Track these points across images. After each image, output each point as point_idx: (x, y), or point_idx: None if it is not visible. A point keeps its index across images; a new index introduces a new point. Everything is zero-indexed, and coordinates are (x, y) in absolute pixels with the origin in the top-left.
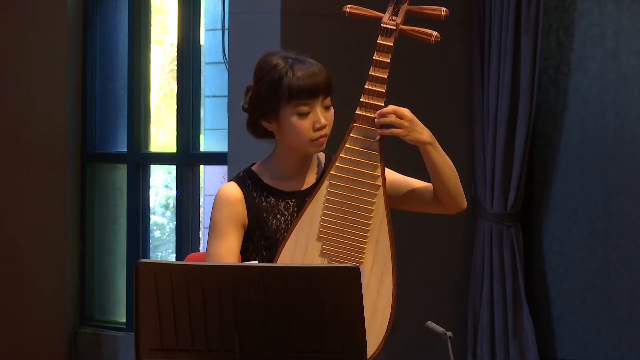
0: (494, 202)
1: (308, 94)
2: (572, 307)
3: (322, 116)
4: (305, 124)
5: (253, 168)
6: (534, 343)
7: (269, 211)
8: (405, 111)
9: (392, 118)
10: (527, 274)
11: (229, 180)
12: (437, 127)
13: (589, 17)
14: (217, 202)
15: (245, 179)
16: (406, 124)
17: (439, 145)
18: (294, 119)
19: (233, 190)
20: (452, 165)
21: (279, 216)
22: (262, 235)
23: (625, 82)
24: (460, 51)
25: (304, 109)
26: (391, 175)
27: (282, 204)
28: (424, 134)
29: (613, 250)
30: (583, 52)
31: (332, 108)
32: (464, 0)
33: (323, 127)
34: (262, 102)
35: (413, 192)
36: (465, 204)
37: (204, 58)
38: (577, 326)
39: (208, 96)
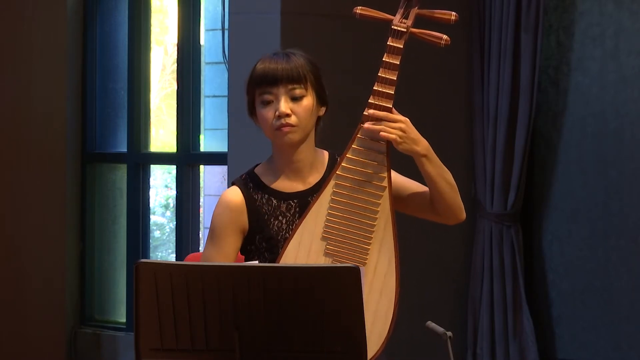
0: (494, 202)
1: (267, 81)
2: (572, 307)
3: (285, 104)
4: (268, 113)
5: (256, 170)
6: (534, 343)
7: (271, 213)
8: (400, 118)
9: (381, 126)
10: (527, 274)
11: (231, 182)
12: (437, 127)
13: (589, 17)
14: (218, 207)
15: (247, 181)
16: (398, 132)
17: (435, 158)
18: (260, 108)
19: (234, 196)
20: (450, 178)
21: (280, 217)
22: (263, 238)
23: (625, 82)
24: (460, 51)
25: (267, 97)
26: (393, 176)
27: (283, 206)
28: (419, 145)
29: (613, 250)
30: (583, 52)
31: (307, 99)
32: (464, 1)
33: (283, 115)
34: (246, 95)
35: (412, 196)
36: (463, 216)
37: (204, 58)
38: (577, 326)
39: (208, 96)
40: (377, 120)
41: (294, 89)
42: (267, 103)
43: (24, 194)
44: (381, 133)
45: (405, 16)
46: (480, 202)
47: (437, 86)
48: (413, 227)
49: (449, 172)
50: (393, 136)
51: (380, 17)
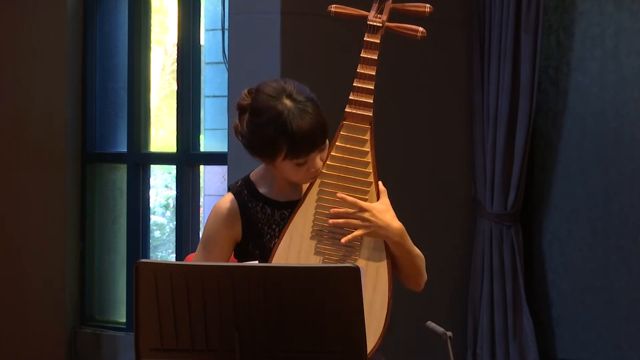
0: (494, 202)
1: (307, 150)
2: (572, 307)
3: (318, 161)
4: (301, 173)
5: (251, 176)
6: (534, 343)
7: (265, 222)
8: (366, 206)
9: (345, 221)
10: (527, 274)
11: (228, 186)
12: (437, 127)
13: (589, 17)
14: (212, 215)
15: (242, 189)
16: (360, 222)
17: (408, 244)
18: (291, 168)
19: (228, 205)
20: (419, 262)
21: (274, 226)
22: (256, 246)
23: (625, 82)
24: (460, 51)
25: (302, 161)
26: None
27: (277, 214)
28: (389, 231)
29: (613, 250)
30: (583, 52)
31: (326, 142)
32: (464, 1)
33: (318, 170)
34: (259, 148)
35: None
36: (420, 288)
37: (204, 58)
38: (577, 326)
39: (208, 96)
40: (347, 204)
41: (323, 147)
42: (301, 164)
43: (24, 194)
44: (342, 240)
45: (380, 11)
46: (480, 202)
47: (437, 86)
48: (413, 227)
49: (421, 256)
50: (359, 232)
51: (355, 14)
